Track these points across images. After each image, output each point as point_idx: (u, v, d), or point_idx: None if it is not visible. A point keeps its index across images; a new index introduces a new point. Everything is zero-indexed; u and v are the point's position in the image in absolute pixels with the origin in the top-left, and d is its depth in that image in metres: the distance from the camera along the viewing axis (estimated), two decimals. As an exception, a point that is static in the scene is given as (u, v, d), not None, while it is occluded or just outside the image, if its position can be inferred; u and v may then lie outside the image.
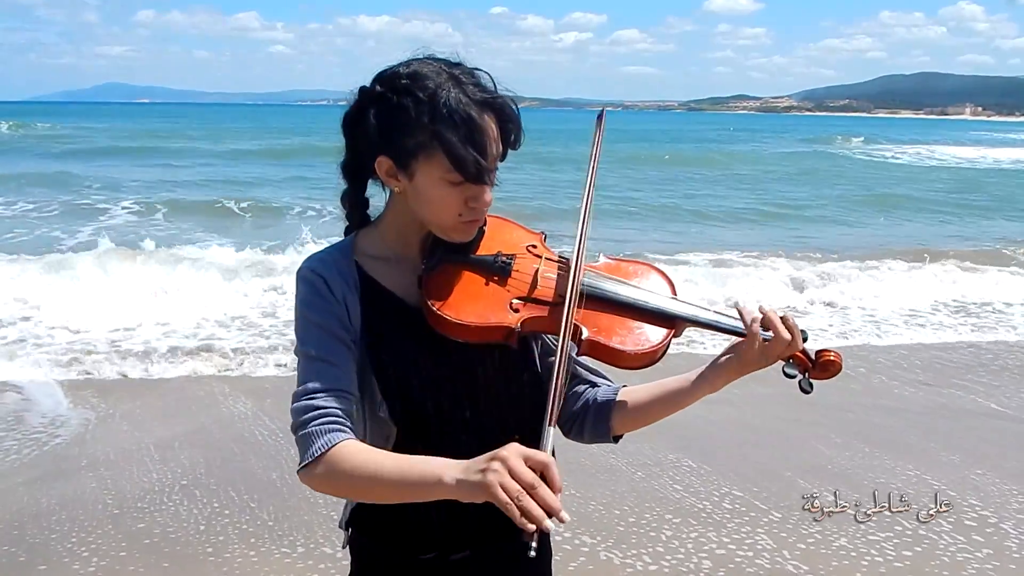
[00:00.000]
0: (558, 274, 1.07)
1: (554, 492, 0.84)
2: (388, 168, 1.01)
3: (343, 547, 1.18)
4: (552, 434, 0.91)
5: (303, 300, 1.04)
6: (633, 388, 1.14)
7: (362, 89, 1.02)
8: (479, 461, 0.88)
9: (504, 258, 1.06)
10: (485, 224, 1.09)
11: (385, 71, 1.01)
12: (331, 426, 0.98)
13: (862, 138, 43.35)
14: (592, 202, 1.08)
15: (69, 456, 3.62)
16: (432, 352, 1.05)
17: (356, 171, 1.08)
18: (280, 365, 4.89)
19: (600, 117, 1.16)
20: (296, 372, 1.04)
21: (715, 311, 1.09)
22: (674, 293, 1.10)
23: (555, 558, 1.26)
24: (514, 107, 1.01)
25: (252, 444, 3.77)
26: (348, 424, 1.00)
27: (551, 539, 1.24)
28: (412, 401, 1.05)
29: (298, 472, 1.00)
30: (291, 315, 1.07)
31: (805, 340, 1.08)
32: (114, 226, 10.66)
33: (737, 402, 4.10)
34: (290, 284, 5.83)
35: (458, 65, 1.01)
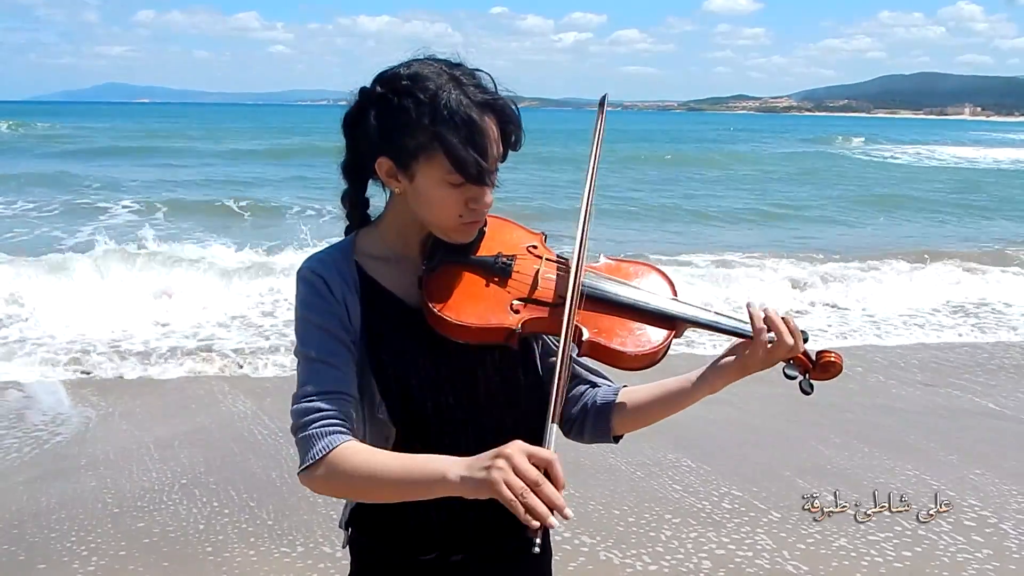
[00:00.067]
0: (558, 275, 1.07)
1: (558, 489, 0.85)
2: (388, 169, 1.01)
3: (343, 547, 1.18)
4: (555, 431, 0.91)
5: (303, 301, 1.04)
6: (633, 388, 1.14)
7: (363, 90, 1.02)
8: (483, 458, 0.88)
9: (504, 259, 1.06)
10: (485, 225, 1.08)
11: (386, 72, 1.01)
12: (331, 428, 0.98)
13: (862, 138, 43.32)
14: (594, 195, 1.08)
15: (69, 455, 3.62)
16: (432, 353, 1.05)
17: (356, 171, 1.08)
18: (279, 365, 4.89)
19: (602, 103, 1.15)
20: (296, 373, 1.04)
21: (715, 312, 1.09)
22: (675, 294, 1.10)
23: (555, 558, 1.26)
24: (515, 108, 1.01)
25: (252, 444, 3.77)
26: (349, 426, 1.00)
27: (551, 539, 1.25)
28: (412, 401, 1.05)
29: (299, 474, 1.00)
30: (290, 315, 1.07)
31: (806, 341, 1.08)
32: (114, 226, 10.66)
33: (736, 402, 4.10)
34: (289, 284, 5.84)
35: (459, 66, 1.01)
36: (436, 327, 1.02)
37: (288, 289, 6.03)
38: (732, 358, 1.07)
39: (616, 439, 1.16)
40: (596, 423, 1.14)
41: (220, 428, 3.97)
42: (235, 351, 5.15)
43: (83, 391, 4.49)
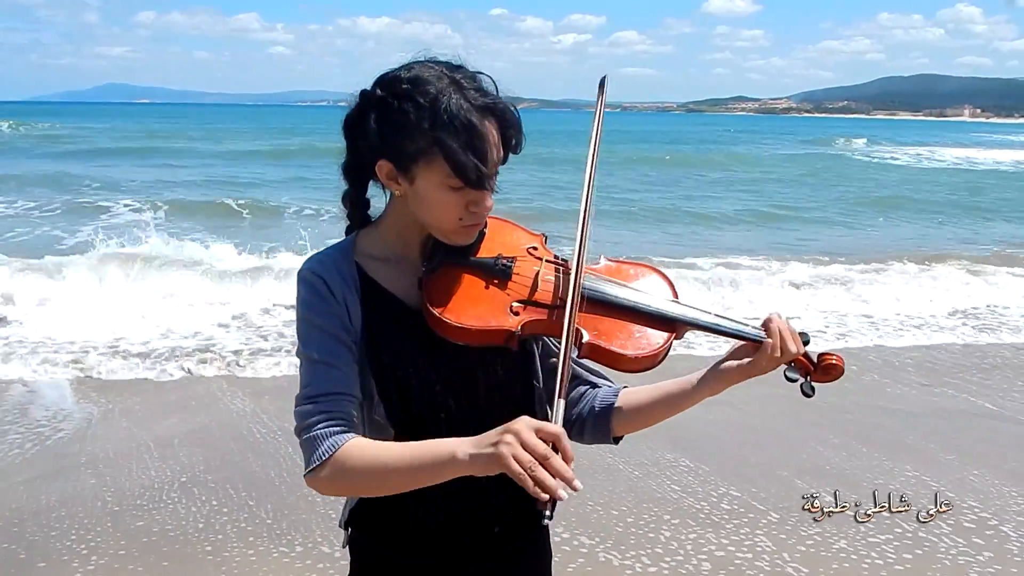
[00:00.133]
0: (558, 277, 1.06)
1: (567, 462, 0.86)
2: (389, 172, 1.01)
3: (343, 547, 1.18)
4: (563, 407, 0.92)
5: (304, 302, 1.04)
6: (634, 390, 1.14)
7: (363, 92, 1.02)
8: (491, 435, 0.89)
9: (504, 261, 1.06)
10: (486, 226, 1.08)
11: (386, 74, 1.01)
12: (335, 428, 0.99)
13: (864, 140, 43.18)
14: (593, 189, 1.07)
15: (69, 454, 3.62)
16: (432, 354, 1.05)
17: (357, 173, 1.08)
18: (278, 366, 4.89)
19: (602, 84, 1.13)
20: (298, 374, 1.04)
21: (716, 314, 1.08)
22: (675, 296, 1.10)
23: (554, 559, 1.26)
24: (515, 112, 1.01)
25: (250, 443, 3.77)
26: (351, 426, 1.00)
27: (551, 539, 1.25)
28: (411, 403, 1.05)
29: (305, 477, 1.00)
30: (289, 316, 1.07)
31: (807, 343, 1.08)
32: (115, 226, 10.66)
33: (735, 402, 4.10)
34: (289, 285, 5.81)
35: (460, 68, 1.00)
36: (435, 329, 1.02)
37: (287, 290, 6.03)
38: (734, 362, 1.07)
39: (616, 440, 1.16)
40: (596, 424, 1.14)
41: (219, 427, 3.97)
42: (234, 352, 5.15)
43: (83, 391, 4.49)
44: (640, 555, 2.82)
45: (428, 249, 1.07)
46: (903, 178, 21.91)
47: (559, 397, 0.92)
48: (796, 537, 2.93)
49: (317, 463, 0.98)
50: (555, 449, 0.86)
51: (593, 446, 1.19)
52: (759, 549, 2.86)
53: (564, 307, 0.99)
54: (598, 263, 1.12)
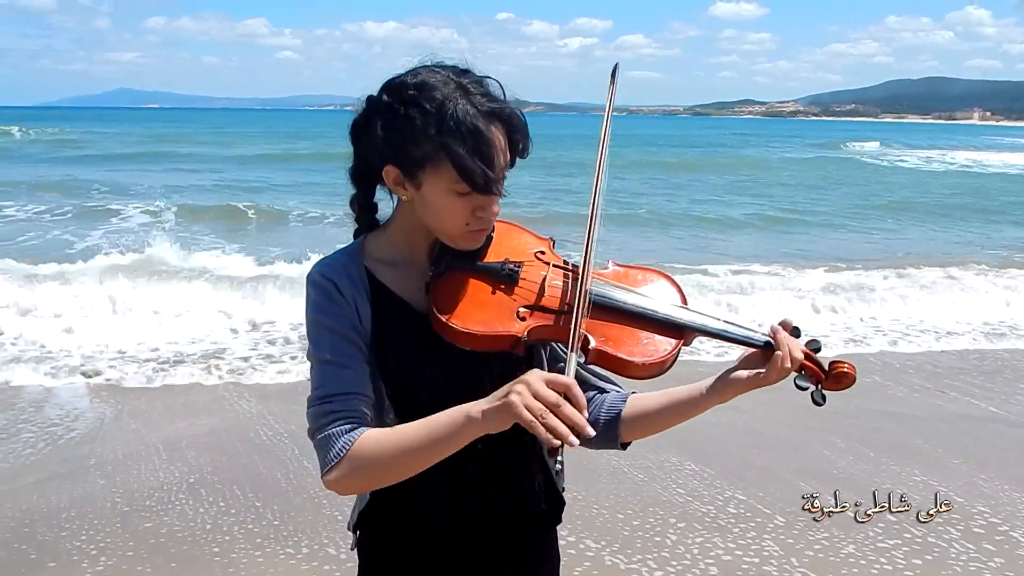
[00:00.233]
0: (565, 282, 1.06)
1: (579, 411, 0.87)
2: (395, 177, 1.02)
3: (351, 549, 1.18)
4: (575, 361, 0.93)
5: (314, 305, 1.04)
6: (642, 396, 1.13)
7: (369, 98, 1.03)
8: (502, 389, 0.91)
9: (511, 265, 1.06)
10: (493, 230, 1.08)
11: (393, 80, 1.01)
12: (348, 426, 0.99)
13: (877, 143, 42.61)
14: (603, 180, 1.06)
15: (79, 456, 3.65)
16: (439, 357, 1.05)
17: (364, 178, 1.09)
18: (286, 373, 4.90)
19: (614, 72, 1.12)
20: (306, 379, 1.04)
21: (725, 321, 1.07)
22: (684, 302, 1.09)
23: (561, 562, 1.26)
24: (522, 116, 1.01)
25: (257, 445, 3.79)
26: (364, 423, 1.01)
27: (559, 543, 1.25)
28: (419, 406, 1.05)
29: (322, 479, 1.00)
30: (298, 320, 1.08)
31: (818, 350, 1.06)
32: (124, 230, 10.75)
33: (740, 405, 4.03)
34: (297, 291, 5.83)
35: (466, 73, 1.01)
36: (442, 333, 1.02)
37: (294, 296, 6.05)
38: (744, 371, 1.05)
39: (624, 446, 1.15)
40: (604, 430, 1.14)
41: (226, 430, 4.00)
42: (242, 358, 5.18)
43: (93, 396, 4.53)
44: (646, 559, 2.81)
45: (435, 253, 1.07)
46: (917, 181, 21.50)
47: (571, 352, 0.94)
48: (804, 542, 2.92)
49: (333, 462, 0.98)
50: (567, 399, 0.87)
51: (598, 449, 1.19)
52: (766, 554, 2.85)
53: (571, 313, 0.99)
54: (606, 268, 1.11)
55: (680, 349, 1.05)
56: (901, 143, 44.81)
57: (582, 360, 1.03)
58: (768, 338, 1.05)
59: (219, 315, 5.96)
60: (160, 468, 3.52)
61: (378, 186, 1.09)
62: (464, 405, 0.94)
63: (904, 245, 10.96)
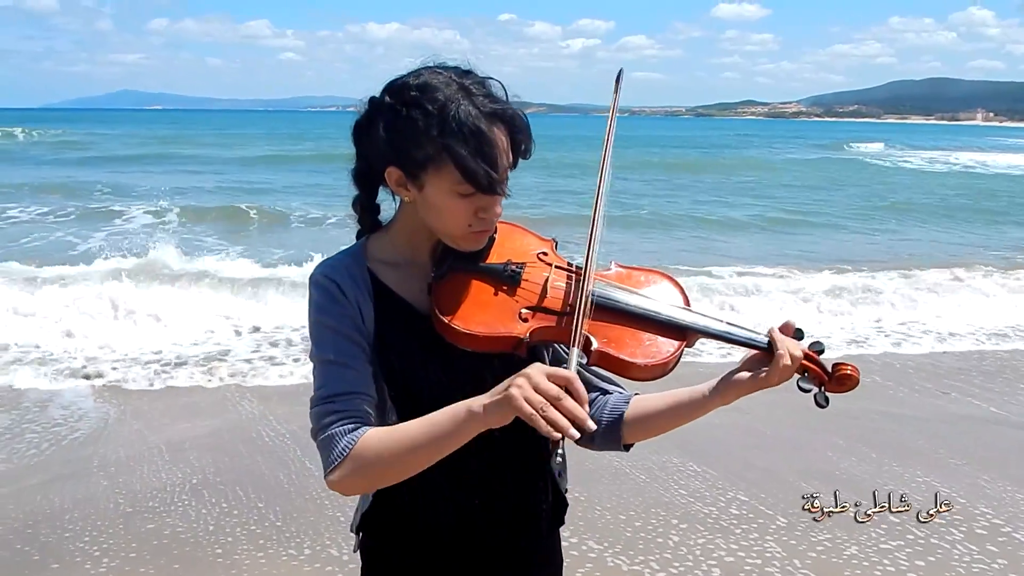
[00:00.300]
0: (568, 283, 1.06)
1: (580, 405, 0.87)
2: (398, 178, 1.02)
3: (354, 551, 1.18)
4: (576, 355, 0.93)
5: (317, 305, 1.04)
6: (645, 397, 1.13)
7: (372, 99, 1.03)
8: (503, 383, 0.91)
9: (514, 267, 1.06)
10: (496, 231, 1.08)
11: (395, 81, 1.01)
12: (350, 426, 0.99)
13: (881, 144, 42.23)
14: (607, 180, 1.06)
15: (81, 458, 3.66)
16: (441, 358, 1.05)
17: (366, 179, 1.09)
18: (289, 375, 4.90)
19: (618, 78, 1.13)
20: (308, 380, 1.04)
21: (728, 322, 1.07)
22: (687, 303, 1.09)
23: (563, 563, 1.26)
24: (524, 117, 1.01)
25: (259, 446, 3.79)
26: (367, 423, 1.01)
27: (562, 544, 1.24)
28: (421, 406, 1.04)
29: (326, 479, 1.00)
30: (300, 322, 1.08)
31: (821, 352, 1.06)
32: (127, 231, 10.78)
33: (741, 406, 4.00)
34: (299, 294, 5.82)
35: (469, 74, 1.01)
36: (444, 335, 1.02)
37: (297, 299, 6.06)
38: (746, 373, 1.05)
39: (627, 447, 1.15)
40: (607, 431, 1.13)
41: (229, 431, 4.00)
42: (245, 360, 5.18)
43: (96, 398, 4.54)
44: (648, 560, 2.81)
45: (438, 254, 1.07)
46: (921, 182, 21.33)
47: (573, 346, 0.94)
48: (806, 543, 2.91)
49: (336, 462, 0.98)
50: (568, 393, 0.87)
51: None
52: (768, 555, 2.84)
53: (573, 314, 0.99)
54: (609, 269, 1.11)
55: (683, 351, 1.05)
56: (904, 144, 44.61)
57: (584, 361, 1.03)
58: (781, 352, 1.04)
59: (221, 317, 5.96)
60: (163, 469, 3.53)
61: (381, 187, 1.09)
62: (465, 400, 0.94)
63: (909, 246, 10.91)
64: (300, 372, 4.85)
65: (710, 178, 20.61)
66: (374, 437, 0.98)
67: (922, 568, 2.76)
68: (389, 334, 1.05)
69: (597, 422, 1.13)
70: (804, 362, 1.05)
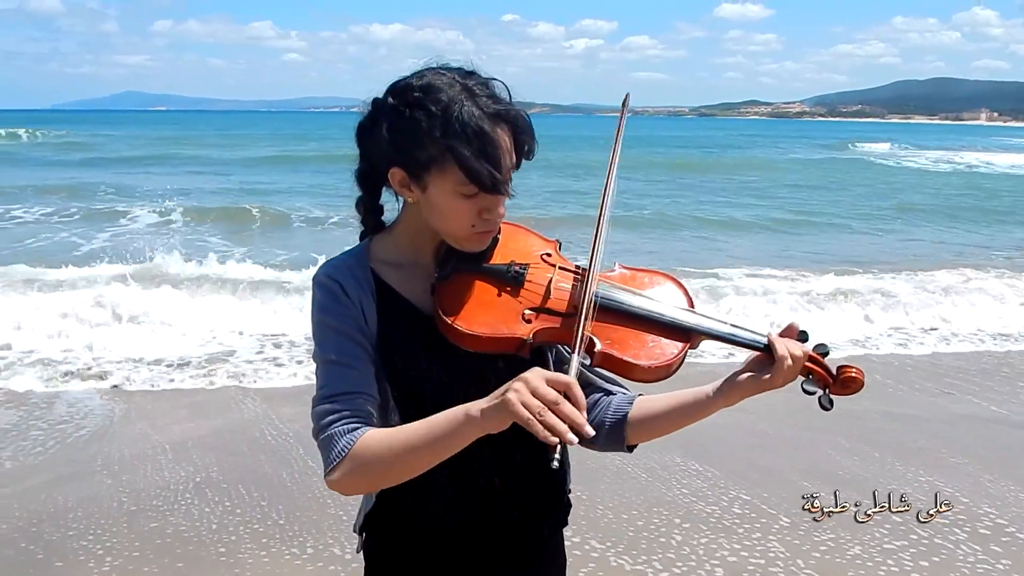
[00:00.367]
0: (572, 285, 1.06)
1: (579, 410, 0.86)
2: (401, 179, 1.02)
3: (357, 551, 1.18)
4: (577, 362, 0.92)
5: (320, 306, 1.04)
6: (649, 398, 1.13)
7: (375, 100, 1.03)
8: (501, 388, 0.90)
9: (517, 268, 1.06)
10: (499, 232, 1.09)
11: (398, 82, 1.02)
12: (351, 425, 0.99)
13: (887, 144, 41.63)
14: (611, 195, 1.07)
15: (85, 457, 3.67)
16: (444, 359, 1.05)
17: (370, 180, 1.09)
18: (293, 376, 4.91)
19: (624, 102, 1.14)
20: (311, 382, 1.05)
21: (732, 324, 1.07)
22: (691, 305, 1.09)
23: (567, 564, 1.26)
24: (527, 118, 1.01)
25: (262, 445, 3.80)
26: (368, 423, 1.01)
27: (565, 544, 1.24)
28: (424, 407, 1.04)
29: (325, 479, 1.00)
30: (304, 323, 1.08)
31: (825, 355, 1.06)
32: (131, 232, 10.82)
33: (744, 405, 4.00)
34: (304, 293, 5.82)
35: (472, 75, 1.01)
36: (447, 335, 1.02)
37: (301, 299, 6.07)
38: (750, 374, 1.05)
39: (630, 448, 1.15)
40: (610, 432, 1.14)
41: (232, 431, 4.01)
42: (248, 361, 5.20)
43: (100, 398, 4.55)
44: (652, 560, 2.81)
45: (441, 255, 1.07)
46: (929, 183, 21.05)
47: (574, 353, 0.93)
48: (809, 543, 2.91)
49: (335, 461, 0.98)
50: (567, 398, 0.86)
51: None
52: (772, 555, 2.84)
53: (577, 315, 0.99)
54: (613, 270, 1.11)
55: (686, 352, 1.05)
56: (909, 144, 44.31)
57: (588, 363, 1.03)
58: (782, 354, 1.04)
59: (225, 318, 5.97)
60: (166, 468, 3.54)
61: (384, 188, 1.09)
62: (464, 404, 0.93)
63: (916, 247, 10.86)
64: (303, 373, 4.86)
65: (715, 178, 20.50)
66: (374, 438, 0.98)
67: (926, 568, 2.75)
68: (392, 335, 1.05)
69: (601, 423, 1.14)
70: (808, 364, 1.04)
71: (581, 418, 0.86)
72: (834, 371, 1.06)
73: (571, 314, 1.02)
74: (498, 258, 1.07)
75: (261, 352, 5.36)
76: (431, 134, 0.96)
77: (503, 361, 1.06)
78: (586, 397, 1.14)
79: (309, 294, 1.07)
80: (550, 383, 0.87)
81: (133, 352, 5.27)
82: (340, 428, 0.99)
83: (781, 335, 1.06)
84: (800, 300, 6.91)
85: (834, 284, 7.45)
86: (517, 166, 1.02)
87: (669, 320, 1.05)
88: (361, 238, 1.13)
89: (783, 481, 3.44)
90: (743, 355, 1.08)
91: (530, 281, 1.05)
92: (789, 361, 1.02)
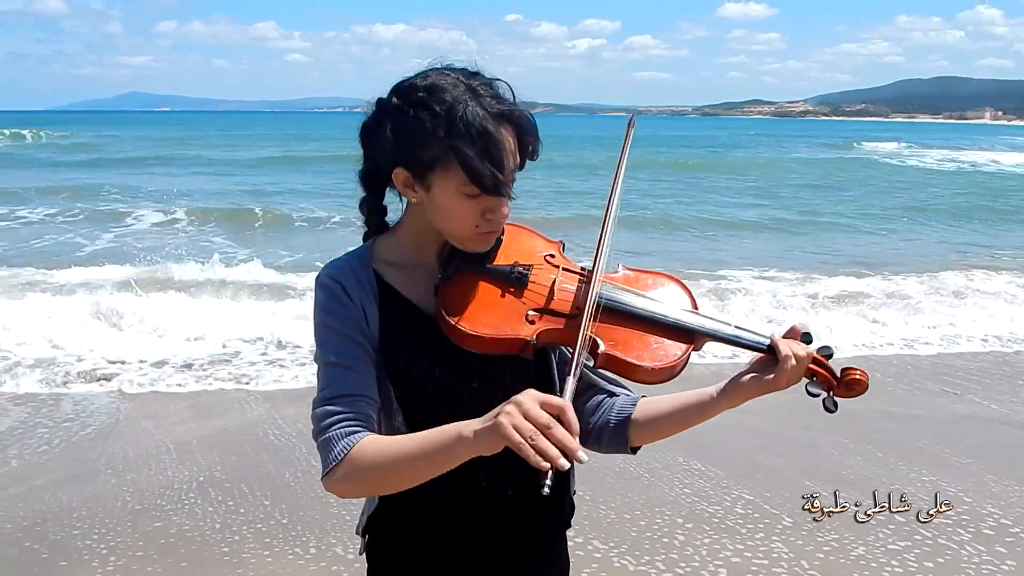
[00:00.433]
0: (575, 286, 1.06)
1: (572, 434, 0.84)
2: (405, 179, 1.02)
3: (359, 554, 1.18)
4: (573, 385, 0.91)
5: (322, 307, 1.04)
6: (652, 399, 1.13)
7: (379, 101, 1.03)
8: (495, 410, 0.88)
9: (521, 269, 1.06)
10: (503, 233, 1.08)
11: (402, 83, 1.02)
12: (349, 429, 0.99)
13: (895, 143, 41.00)
14: (616, 210, 1.07)
15: (90, 457, 3.69)
16: (446, 360, 1.05)
17: (373, 180, 1.09)
18: (295, 377, 4.92)
19: (630, 124, 1.14)
20: (316, 379, 1.04)
21: (736, 326, 1.07)
22: (694, 306, 1.08)
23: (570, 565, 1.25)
24: (531, 118, 1.01)
25: (265, 444, 3.81)
26: (368, 426, 1.01)
27: (568, 545, 1.24)
28: (427, 408, 1.05)
29: (323, 480, 1.00)
30: (308, 327, 1.08)
31: (829, 357, 1.05)
32: (135, 232, 10.86)
33: (746, 405, 4.03)
34: (307, 295, 5.80)
35: (476, 75, 1.01)
36: (450, 336, 1.02)
37: (305, 300, 6.08)
38: (754, 375, 1.05)
39: (634, 450, 1.15)
40: (614, 434, 1.13)
41: (235, 431, 4.02)
42: (250, 362, 5.20)
43: (104, 399, 4.57)
44: (655, 560, 2.80)
45: (445, 256, 1.07)
46: (939, 182, 20.80)
47: (571, 375, 0.92)
48: (813, 543, 2.90)
49: (331, 465, 0.98)
50: (560, 422, 0.85)
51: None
52: (775, 556, 2.84)
53: (580, 317, 0.99)
54: (616, 272, 1.11)
55: (690, 354, 1.05)
56: (916, 143, 43.99)
57: (591, 364, 1.03)
58: (786, 354, 1.04)
59: (227, 320, 5.98)
60: (170, 467, 3.55)
61: (388, 189, 1.09)
62: (458, 423, 0.92)
63: (923, 247, 10.78)
64: (306, 375, 4.87)
65: (721, 178, 20.39)
66: (371, 445, 0.98)
67: (931, 569, 2.74)
68: (394, 335, 1.05)
69: (604, 425, 1.14)
70: (812, 366, 1.04)
71: (574, 443, 0.83)
72: (838, 373, 1.06)
73: (575, 315, 1.02)
74: (501, 259, 1.07)
75: (265, 354, 5.37)
76: (435, 134, 0.96)
77: (506, 362, 1.06)
78: (590, 399, 1.15)
79: (312, 296, 1.07)
80: (544, 406, 0.85)
81: (137, 354, 5.29)
82: (339, 431, 0.99)
83: (785, 336, 1.05)
84: (806, 302, 6.88)
85: (840, 286, 7.40)
86: (521, 167, 1.02)
87: (672, 321, 1.05)
88: (365, 239, 1.13)
89: (786, 481, 3.43)
90: (747, 356, 1.08)
91: (534, 282, 1.05)
92: (793, 362, 1.02)
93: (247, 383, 4.83)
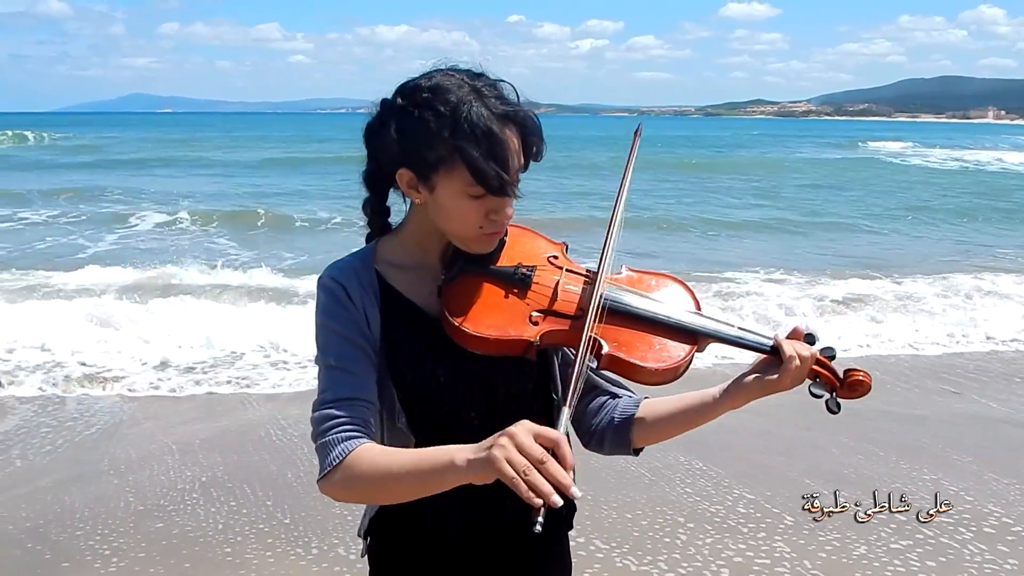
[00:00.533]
0: (579, 287, 1.06)
1: (565, 469, 0.83)
2: (409, 180, 1.02)
3: (361, 556, 1.18)
4: (568, 416, 0.90)
5: (323, 309, 1.04)
6: (655, 401, 1.13)
7: (384, 101, 1.03)
8: (489, 439, 0.86)
9: (524, 270, 1.06)
10: (506, 234, 1.09)
11: (407, 83, 1.02)
12: (348, 434, 0.99)
13: (901, 143, 40.62)
14: (622, 214, 1.07)
15: (93, 458, 3.69)
16: (449, 361, 1.05)
17: (377, 181, 1.09)
18: (297, 380, 4.92)
19: (637, 132, 1.14)
20: (316, 381, 1.05)
21: (739, 327, 1.07)
22: (698, 308, 1.08)
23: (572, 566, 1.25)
24: (536, 119, 1.01)
25: (267, 445, 3.82)
26: (366, 431, 1.00)
27: (570, 545, 1.24)
28: (431, 410, 1.05)
29: (319, 483, 1.00)
30: (310, 330, 1.08)
31: (832, 358, 1.05)
32: (138, 234, 10.89)
33: (748, 405, 4.03)
34: (308, 301, 5.80)
35: (481, 76, 1.01)
36: (454, 337, 1.02)
37: (307, 302, 6.08)
38: (757, 376, 1.05)
39: (636, 452, 1.15)
40: (616, 435, 1.13)
41: (238, 431, 4.03)
42: (253, 365, 5.21)
43: (107, 401, 4.58)
44: (657, 560, 2.80)
45: (448, 257, 1.07)
46: (945, 182, 20.61)
47: (566, 406, 0.91)
48: (815, 543, 2.90)
49: (329, 468, 0.98)
50: (554, 456, 0.83)
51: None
52: (778, 555, 2.83)
53: (584, 318, 0.99)
54: (620, 273, 1.11)
55: (693, 355, 1.05)
56: (919, 142, 43.79)
57: (594, 365, 1.03)
58: (790, 354, 1.03)
59: (231, 321, 5.99)
60: (172, 468, 3.56)
61: (392, 190, 1.09)
62: (453, 448, 0.90)
63: (928, 247, 10.76)
64: (308, 378, 4.87)
65: (726, 179, 20.28)
66: (366, 454, 0.97)
67: (933, 569, 2.74)
68: (396, 337, 1.05)
69: (607, 426, 1.14)
70: (815, 367, 1.04)
71: (567, 479, 0.82)
72: (841, 374, 1.06)
73: (578, 316, 1.02)
74: (505, 260, 1.07)
75: (268, 356, 5.38)
76: (440, 135, 0.96)
77: (509, 363, 1.05)
78: (592, 400, 1.15)
79: (313, 299, 1.07)
80: (538, 438, 0.84)
81: (139, 356, 5.29)
82: (336, 435, 0.98)
83: (788, 337, 1.05)
84: (811, 303, 6.86)
85: (846, 288, 7.37)
86: (525, 167, 1.02)
87: (676, 323, 1.05)
88: (367, 240, 1.13)
89: (787, 480, 3.43)
90: (750, 357, 1.08)
91: (537, 283, 1.05)
92: (796, 362, 1.01)
93: (249, 385, 4.83)
